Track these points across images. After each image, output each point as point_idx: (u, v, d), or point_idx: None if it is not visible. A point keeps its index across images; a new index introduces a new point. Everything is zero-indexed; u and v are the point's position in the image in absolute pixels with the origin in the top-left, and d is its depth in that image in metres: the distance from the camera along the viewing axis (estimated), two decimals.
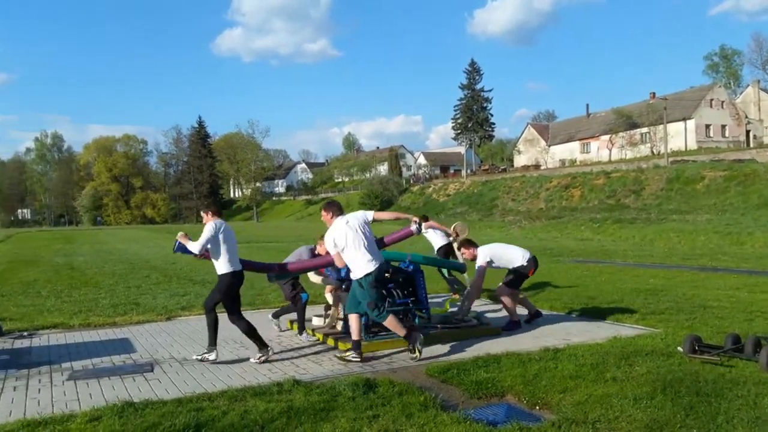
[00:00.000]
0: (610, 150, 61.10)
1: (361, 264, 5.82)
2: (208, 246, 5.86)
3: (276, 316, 7.70)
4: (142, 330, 7.94)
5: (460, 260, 8.56)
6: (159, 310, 9.33)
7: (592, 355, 5.71)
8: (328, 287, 7.79)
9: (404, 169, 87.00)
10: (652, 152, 55.37)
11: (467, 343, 6.64)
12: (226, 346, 6.81)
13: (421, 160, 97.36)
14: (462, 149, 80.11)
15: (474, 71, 77.73)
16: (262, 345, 6.05)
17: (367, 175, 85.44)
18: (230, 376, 5.50)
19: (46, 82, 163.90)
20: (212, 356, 6.02)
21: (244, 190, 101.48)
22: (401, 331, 5.94)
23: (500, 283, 7.60)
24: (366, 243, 5.88)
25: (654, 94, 62.61)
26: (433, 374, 5.33)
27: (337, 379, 5.08)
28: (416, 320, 6.76)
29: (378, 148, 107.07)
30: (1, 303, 10.24)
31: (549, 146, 71.58)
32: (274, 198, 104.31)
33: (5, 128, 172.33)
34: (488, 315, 8.22)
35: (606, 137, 62.54)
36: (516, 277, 7.52)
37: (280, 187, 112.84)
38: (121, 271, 16.33)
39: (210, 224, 5.90)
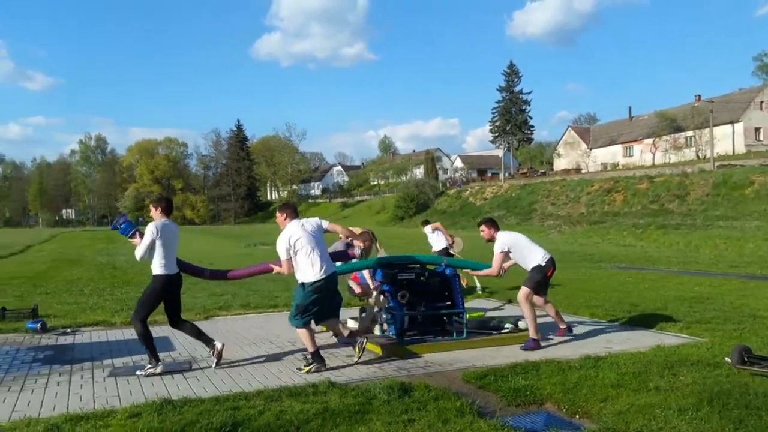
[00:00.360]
0: (654, 154, 59.68)
1: (311, 269, 5.67)
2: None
3: None
4: None
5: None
6: (197, 309, 9.45)
7: (634, 364, 5.54)
8: (358, 289, 7.61)
9: (440, 172, 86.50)
10: (698, 156, 53.85)
11: (505, 349, 6.53)
12: (261, 346, 6.87)
13: (458, 163, 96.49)
14: (500, 152, 79.39)
15: (512, 73, 77.11)
16: (155, 358, 5.67)
17: (403, 178, 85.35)
18: (266, 377, 5.53)
19: (90, 86, 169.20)
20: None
21: (280, 192, 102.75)
22: (311, 348, 5.73)
23: (522, 285, 6.90)
24: (319, 249, 5.76)
25: (699, 96, 60.86)
26: (469, 380, 5.25)
27: (372, 382, 5.05)
28: (452, 325, 6.68)
29: (414, 151, 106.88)
30: (45, 300, 10.53)
31: (590, 149, 70.27)
32: (310, 200, 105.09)
33: (51, 131, 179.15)
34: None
35: (649, 141, 61.13)
36: (536, 274, 6.78)
37: (316, 189, 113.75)
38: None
39: (151, 227, 5.60)
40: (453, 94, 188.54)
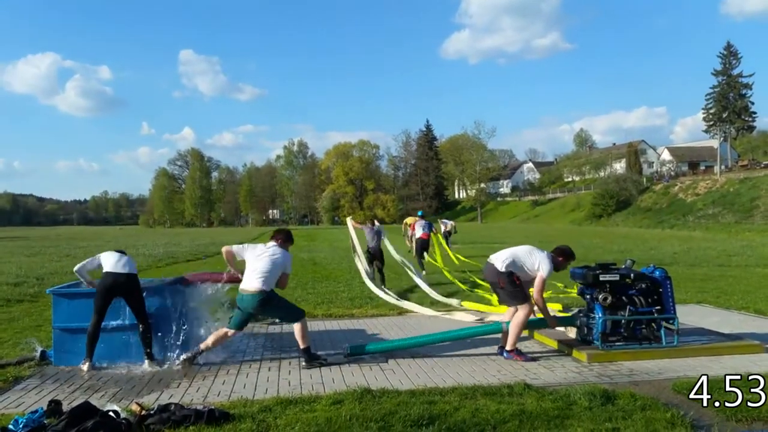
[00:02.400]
0: None
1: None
2: None
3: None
4: (376, 323, 8.40)
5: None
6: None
7: None
8: None
9: (645, 166, 79.54)
10: None
11: (723, 359, 5.82)
12: (453, 344, 6.87)
13: (665, 155, 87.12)
14: (715, 143, 70.94)
15: (730, 55, 68.72)
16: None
17: (601, 174, 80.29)
18: (459, 374, 5.53)
19: (291, 95, 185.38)
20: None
21: (468, 191, 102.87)
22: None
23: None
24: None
25: None
26: (680, 391, 4.76)
27: (571, 387, 4.80)
28: (662, 331, 6.10)
29: (614, 144, 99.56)
30: None
31: None
32: (498, 199, 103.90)
33: (258, 137, 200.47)
34: (748, 330, 7.13)
35: None
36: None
37: (505, 187, 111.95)
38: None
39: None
40: (659, 80, 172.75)
